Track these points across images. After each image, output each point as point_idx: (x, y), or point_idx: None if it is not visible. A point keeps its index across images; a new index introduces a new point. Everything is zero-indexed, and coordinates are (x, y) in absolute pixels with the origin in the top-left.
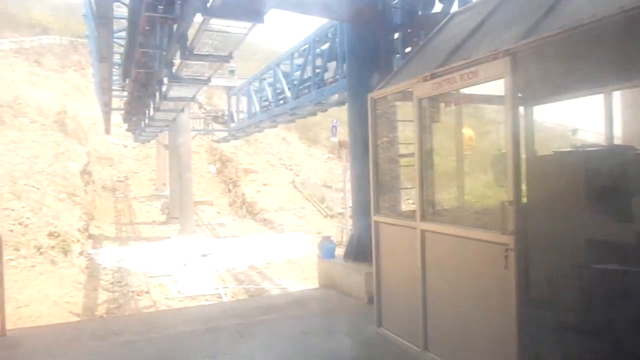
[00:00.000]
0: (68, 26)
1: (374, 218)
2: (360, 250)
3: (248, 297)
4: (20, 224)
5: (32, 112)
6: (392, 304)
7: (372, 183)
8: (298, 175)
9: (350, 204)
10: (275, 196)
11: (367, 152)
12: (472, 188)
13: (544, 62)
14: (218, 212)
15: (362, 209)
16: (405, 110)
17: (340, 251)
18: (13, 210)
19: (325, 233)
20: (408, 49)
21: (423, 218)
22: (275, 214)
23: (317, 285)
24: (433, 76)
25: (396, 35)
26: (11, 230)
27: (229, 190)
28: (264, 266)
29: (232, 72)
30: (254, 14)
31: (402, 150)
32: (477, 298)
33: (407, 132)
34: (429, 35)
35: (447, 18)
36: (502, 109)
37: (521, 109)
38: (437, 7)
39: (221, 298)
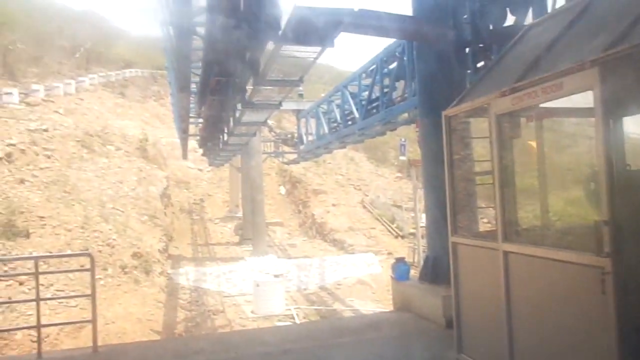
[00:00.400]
0: (149, 59)
1: (452, 239)
2: (436, 272)
3: (320, 318)
4: (107, 245)
5: (118, 140)
6: (473, 329)
7: (449, 202)
8: (367, 195)
9: (423, 224)
10: (345, 216)
11: (441, 170)
12: (552, 206)
13: (635, 71)
14: (289, 233)
15: (437, 229)
16: (478, 127)
17: (414, 272)
18: (102, 232)
19: (396, 254)
20: (480, 64)
21: (505, 239)
22: (345, 234)
23: (391, 308)
24: (512, 91)
25: (467, 51)
26: (100, 251)
27: (299, 211)
28: (334, 287)
29: (300, 95)
30: (325, 38)
31: (478, 167)
32: (570, 325)
33: (479, 149)
34: (503, 49)
35: (522, 31)
36: (585, 121)
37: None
38: (509, 21)
39: (293, 319)
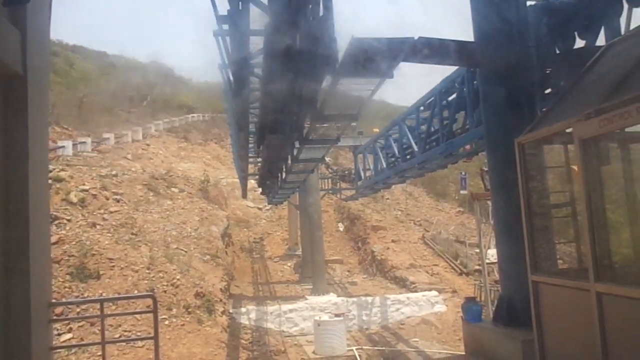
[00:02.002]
0: (209, 104)
1: (532, 278)
2: (512, 313)
3: None
4: (172, 285)
5: (181, 183)
6: None
7: (527, 237)
8: (428, 231)
9: (488, 260)
10: (405, 253)
11: (512, 201)
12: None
13: None
14: (348, 271)
15: (510, 266)
16: (550, 155)
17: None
18: (166, 272)
19: (460, 291)
20: (548, 91)
21: (598, 278)
22: (406, 271)
23: (457, 350)
24: (599, 112)
25: (534, 76)
26: (165, 291)
27: (358, 248)
28: (397, 326)
29: (360, 133)
30: (383, 70)
31: (554, 199)
32: None
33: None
34: (581, 71)
35: (601, 51)
36: None
37: None
38: (578, 43)
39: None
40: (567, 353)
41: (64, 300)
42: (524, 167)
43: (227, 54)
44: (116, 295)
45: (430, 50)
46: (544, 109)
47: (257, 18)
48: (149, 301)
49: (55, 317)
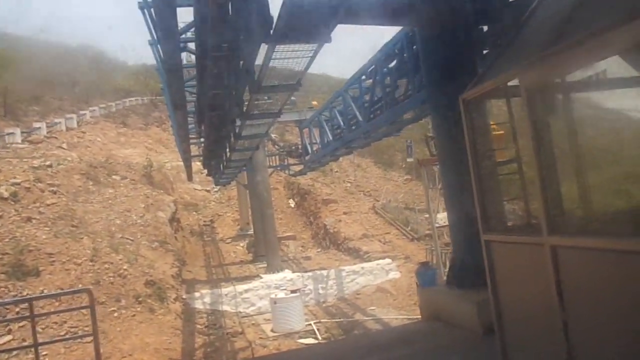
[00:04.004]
0: (147, 86)
1: (484, 237)
2: (465, 275)
3: (342, 331)
4: (119, 275)
5: (123, 169)
6: (520, 336)
7: (477, 197)
8: (378, 201)
9: (438, 224)
10: (358, 224)
11: (460, 163)
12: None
13: None
14: (302, 246)
15: (461, 229)
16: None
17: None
18: (112, 263)
19: (413, 257)
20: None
21: (552, 230)
22: (359, 242)
23: (414, 314)
24: (544, 59)
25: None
26: (112, 283)
27: (310, 223)
28: (354, 297)
29: (310, 108)
30: (320, 34)
31: (502, 156)
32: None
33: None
34: (519, 22)
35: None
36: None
37: None
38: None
39: (315, 334)
40: (523, 310)
41: (0, 300)
42: (470, 125)
43: (155, 29)
44: (52, 292)
45: (366, 9)
46: (485, 63)
47: None
48: (97, 293)
49: None
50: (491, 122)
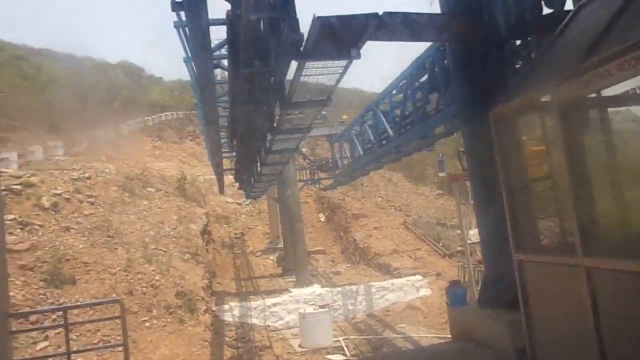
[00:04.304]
0: (182, 102)
1: (516, 256)
2: (497, 294)
3: (371, 348)
4: (151, 286)
5: (157, 182)
6: (554, 358)
7: (508, 215)
8: (409, 216)
9: (470, 241)
10: (388, 239)
11: (491, 179)
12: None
13: None
14: (332, 261)
15: (493, 246)
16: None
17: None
18: (145, 273)
19: (444, 274)
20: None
21: (587, 252)
22: (389, 257)
23: (445, 333)
24: (577, 74)
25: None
26: (144, 293)
27: (340, 237)
28: (383, 313)
29: (342, 122)
30: (349, 50)
31: (534, 173)
32: None
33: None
34: (553, 37)
35: (571, 13)
36: None
37: None
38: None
39: (343, 351)
40: (557, 332)
41: (38, 307)
42: (500, 141)
43: (190, 46)
44: (82, 303)
45: (396, 25)
46: (517, 80)
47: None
48: (129, 303)
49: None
50: (527, 138)
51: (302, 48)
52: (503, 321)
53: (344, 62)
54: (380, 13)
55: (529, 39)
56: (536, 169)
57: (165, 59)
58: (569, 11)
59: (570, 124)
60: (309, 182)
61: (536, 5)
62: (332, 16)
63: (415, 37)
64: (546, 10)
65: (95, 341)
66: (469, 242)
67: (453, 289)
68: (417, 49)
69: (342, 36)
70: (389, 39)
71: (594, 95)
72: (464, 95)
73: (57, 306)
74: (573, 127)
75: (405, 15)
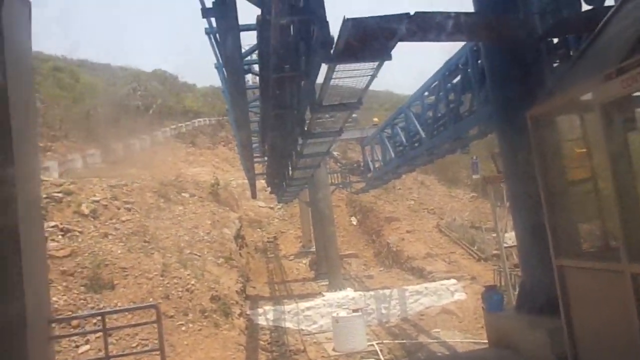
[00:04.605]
0: (215, 108)
1: (556, 262)
2: (536, 300)
3: (405, 353)
4: (187, 290)
5: (191, 187)
6: None
7: (548, 219)
8: (442, 219)
9: (506, 244)
10: (421, 242)
11: (528, 181)
12: None
13: None
14: (364, 264)
15: (530, 251)
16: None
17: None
18: (180, 278)
19: (479, 278)
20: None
21: (633, 257)
22: (423, 261)
23: (480, 338)
24: (621, 71)
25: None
26: (180, 297)
27: (373, 241)
28: (417, 318)
29: (375, 125)
30: (380, 52)
31: (574, 175)
32: None
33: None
34: (592, 35)
35: (613, 9)
36: None
37: None
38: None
39: (377, 355)
40: (600, 340)
41: (79, 312)
42: (539, 142)
43: (221, 52)
44: (120, 307)
45: (427, 25)
46: (555, 79)
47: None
48: (165, 307)
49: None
50: (567, 139)
51: (332, 51)
52: (542, 328)
53: (374, 64)
54: (412, 14)
55: (567, 37)
56: (577, 170)
57: (198, 66)
58: (609, 7)
59: (613, 124)
60: (341, 186)
61: (575, 2)
62: (362, 17)
63: (448, 37)
64: (585, 7)
65: (133, 345)
66: (505, 245)
67: (489, 294)
68: (449, 49)
69: (373, 37)
70: (421, 40)
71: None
72: (499, 95)
73: (96, 311)
74: (616, 127)
75: (438, 15)
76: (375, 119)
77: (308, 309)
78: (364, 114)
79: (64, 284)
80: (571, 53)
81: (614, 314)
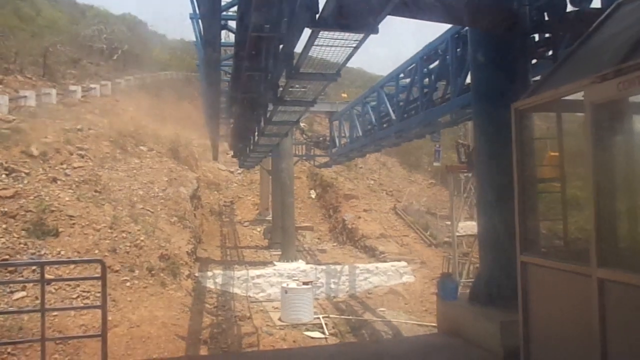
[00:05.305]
0: (184, 62)
1: (521, 258)
2: (491, 292)
3: (350, 329)
4: (135, 246)
5: (150, 141)
6: None
7: (518, 214)
8: (400, 202)
9: (459, 233)
10: (377, 223)
11: (500, 173)
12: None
13: None
14: (318, 238)
15: (493, 243)
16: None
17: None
18: (130, 232)
19: (429, 262)
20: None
21: (603, 262)
22: (376, 241)
23: (423, 320)
24: (619, 73)
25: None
26: (127, 252)
27: (329, 216)
28: (365, 296)
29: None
30: (367, 24)
31: (549, 173)
32: None
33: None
34: (585, 34)
35: (609, 10)
36: None
37: None
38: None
39: (322, 328)
40: (556, 339)
41: (18, 257)
42: (520, 136)
43: (198, 2)
44: (62, 259)
45: (422, 3)
46: (543, 73)
47: None
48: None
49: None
50: (550, 137)
51: (317, 16)
52: (495, 321)
53: (359, 36)
54: None
55: (549, 35)
56: (554, 169)
57: (170, 16)
58: (597, 9)
59: (602, 126)
60: (305, 158)
61: (560, 4)
62: None
63: (438, 18)
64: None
65: (74, 296)
66: (457, 234)
67: (445, 282)
68: (426, 36)
69: (363, 7)
70: (411, 16)
71: (636, 97)
72: (481, 84)
73: (35, 260)
74: (604, 130)
75: None
76: (344, 94)
77: (258, 276)
78: (334, 88)
79: (4, 225)
80: (549, 52)
81: (574, 315)
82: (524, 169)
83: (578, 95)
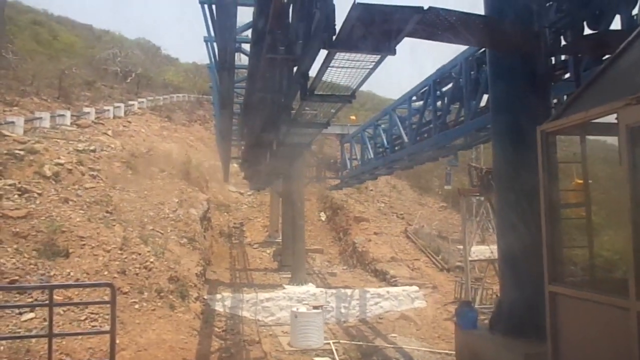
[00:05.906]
0: (195, 85)
1: (550, 287)
2: (513, 322)
3: (361, 356)
4: (145, 267)
5: (161, 162)
6: None
7: (546, 241)
8: (411, 225)
9: (471, 258)
10: (387, 246)
11: (522, 197)
12: None
13: None
14: (328, 261)
15: (513, 269)
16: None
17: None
18: (140, 254)
19: (441, 287)
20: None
21: None
22: (387, 264)
23: (438, 347)
24: None
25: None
26: (137, 274)
27: (339, 239)
28: (376, 321)
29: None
30: (386, 45)
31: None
32: None
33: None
34: (613, 55)
35: (635, 33)
36: None
37: None
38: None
39: (332, 355)
40: None
41: (28, 277)
42: (547, 160)
43: (213, 25)
44: (71, 282)
45: (441, 23)
46: (568, 96)
47: None
48: (121, 283)
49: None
50: (580, 160)
51: (334, 36)
52: (518, 353)
53: (376, 58)
54: (426, 8)
55: (564, 57)
56: (585, 193)
57: (184, 41)
58: (618, 31)
59: (638, 149)
60: (315, 180)
61: (580, 24)
62: (373, 4)
63: (458, 39)
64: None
65: (82, 318)
66: (470, 259)
67: (464, 311)
68: (438, 59)
69: (381, 28)
70: (429, 38)
71: None
72: (499, 106)
73: (44, 283)
74: (637, 153)
75: (453, 13)
76: (353, 117)
77: (267, 299)
78: (343, 111)
79: (15, 246)
80: (565, 75)
81: (611, 351)
82: (552, 193)
83: (609, 118)
